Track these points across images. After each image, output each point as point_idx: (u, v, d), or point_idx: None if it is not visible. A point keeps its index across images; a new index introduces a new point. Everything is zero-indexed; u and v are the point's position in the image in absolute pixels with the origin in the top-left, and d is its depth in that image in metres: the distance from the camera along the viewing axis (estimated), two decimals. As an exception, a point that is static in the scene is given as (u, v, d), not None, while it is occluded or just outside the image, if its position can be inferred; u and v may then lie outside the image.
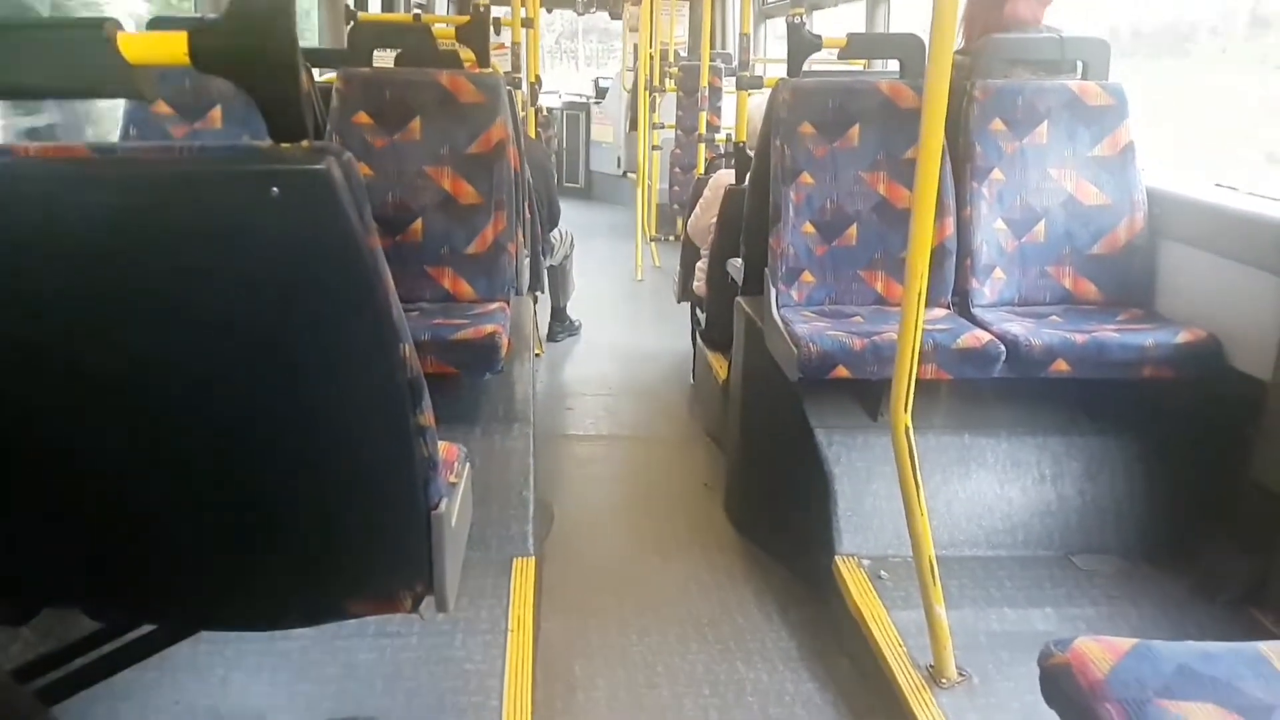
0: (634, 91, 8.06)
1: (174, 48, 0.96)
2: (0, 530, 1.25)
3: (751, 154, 3.10)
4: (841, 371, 2.37)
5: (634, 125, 7.90)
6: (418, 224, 2.79)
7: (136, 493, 1.23)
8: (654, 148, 7.46)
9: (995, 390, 2.57)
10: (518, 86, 4.31)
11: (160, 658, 1.69)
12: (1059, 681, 1.22)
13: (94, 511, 1.25)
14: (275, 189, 0.97)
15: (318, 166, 0.97)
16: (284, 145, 0.99)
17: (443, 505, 1.32)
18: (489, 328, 2.43)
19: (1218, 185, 2.58)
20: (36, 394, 1.13)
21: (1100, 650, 1.21)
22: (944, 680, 1.93)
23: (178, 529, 1.26)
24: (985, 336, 2.38)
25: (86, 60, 0.97)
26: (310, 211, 0.99)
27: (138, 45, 0.96)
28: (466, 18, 3.51)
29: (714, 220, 3.83)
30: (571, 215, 5.35)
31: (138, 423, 1.16)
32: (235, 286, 1.05)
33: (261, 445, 1.19)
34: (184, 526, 1.25)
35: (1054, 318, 2.55)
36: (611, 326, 5.42)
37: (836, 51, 3.07)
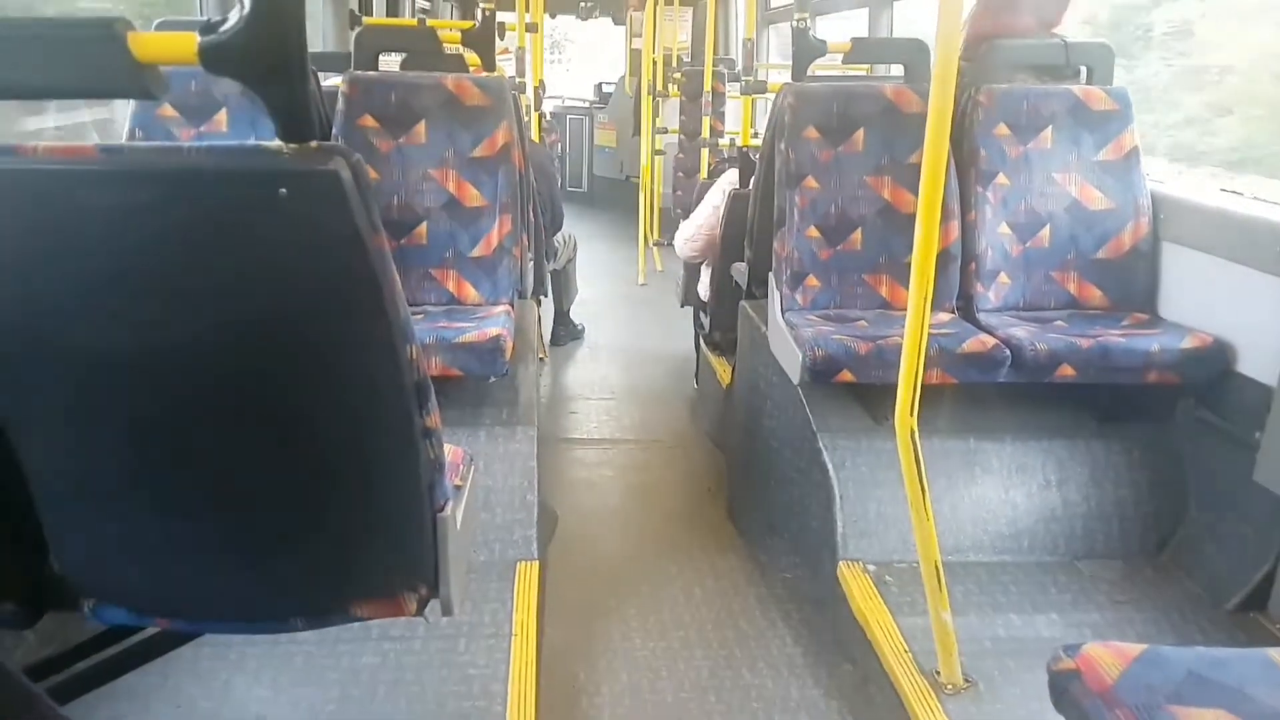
0: (637, 97, 8.06)
1: (183, 47, 0.96)
2: (4, 532, 1.25)
3: (756, 158, 3.10)
4: (846, 375, 2.36)
5: (637, 130, 7.90)
6: (423, 227, 2.79)
7: (140, 494, 1.22)
8: (657, 152, 7.46)
9: (1000, 395, 2.57)
10: (522, 91, 4.31)
11: (163, 661, 1.69)
12: (1068, 687, 1.21)
13: (98, 514, 1.25)
14: (283, 190, 0.97)
15: (326, 167, 0.97)
16: (292, 146, 0.99)
17: (448, 508, 1.31)
18: (493, 330, 2.42)
19: (1223, 190, 2.58)
20: (42, 393, 1.13)
21: (1109, 656, 1.21)
22: (950, 687, 1.92)
23: (182, 530, 1.25)
24: (990, 341, 2.38)
25: (96, 60, 0.97)
26: (319, 212, 0.99)
27: (148, 45, 0.95)
28: (472, 23, 3.51)
29: (700, 229, 3.84)
30: (574, 220, 5.36)
31: (143, 423, 1.16)
32: (242, 287, 1.05)
33: (267, 446, 1.18)
34: (188, 527, 1.25)
35: (1059, 322, 2.54)
36: (615, 330, 5.42)
37: (841, 56, 3.07)
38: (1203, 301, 2.49)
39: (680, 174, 7.50)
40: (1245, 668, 1.19)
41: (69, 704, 1.48)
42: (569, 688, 2.19)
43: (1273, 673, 1.18)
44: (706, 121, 6.23)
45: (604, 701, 2.16)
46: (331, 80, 3.22)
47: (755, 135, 3.77)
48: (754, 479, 3.00)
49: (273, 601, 1.36)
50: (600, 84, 10.36)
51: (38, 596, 1.34)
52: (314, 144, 0.99)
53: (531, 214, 3.19)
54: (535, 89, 4.96)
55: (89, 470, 1.21)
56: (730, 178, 3.90)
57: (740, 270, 3.15)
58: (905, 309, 1.80)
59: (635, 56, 8.58)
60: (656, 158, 7.45)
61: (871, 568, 2.34)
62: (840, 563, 2.36)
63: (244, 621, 1.46)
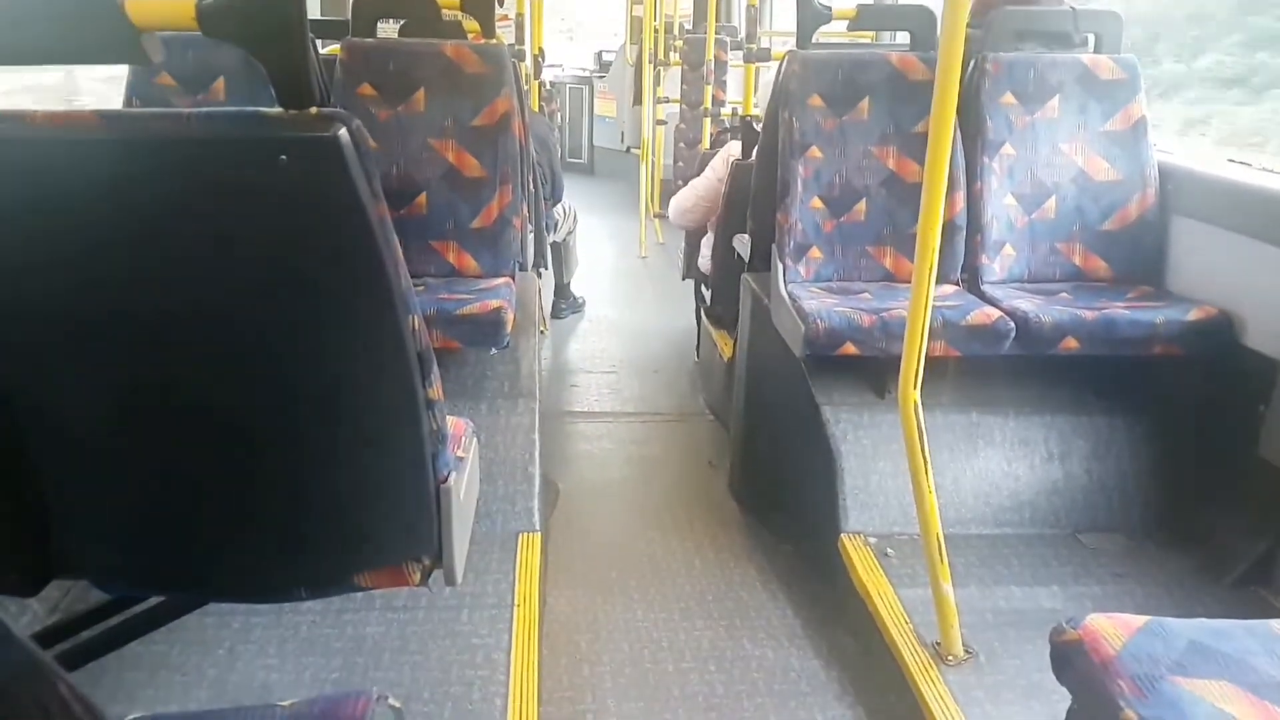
0: (637, 65, 7.99)
1: (181, 12, 0.95)
2: (8, 501, 1.25)
3: (759, 128, 3.07)
4: (849, 348, 2.35)
5: (638, 100, 7.83)
6: (422, 198, 2.77)
7: (144, 463, 1.22)
8: (658, 122, 7.40)
9: (1003, 368, 2.56)
10: (521, 59, 4.27)
11: (167, 630, 1.70)
12: (1071, 658, 1.21)
13: (101, 482, 1.25)
14: (284, 156, 0.95)
15: (327, 133, 0.96)
16: (292, 112, 0.98)
17: (451, 479, 1.31)
18: (494, 303, 2.41)
19: (1230, 160, 2.56)
20: (44, 361, 1.12)
21: (1112, 627, 1.21)
22: (950, 657, 1.93)
23: (186, 499, 1.25)
24: (995, 313, 2.37)
25: (91, 25, 0.95)
26: (319, 179, 0.98)
27: (145, 9, 0.94)
28: None
29: (701, 199, 3.81)
30: (574, 191, 5.32)
31: (144, 391, 1.15)
32: (243, 254, 1.04)
33: (268, 416, 1.18)
34: (192, 497, 1.25)
35: (1064, 295, 2.53)
36: (615, 303, 5.40)
37: (846, 23, 3.03)
38: (1209, 274, 2.47)
39: (682, 144, 7.45)
40: (1248, 639, 1.20)
41: (72, 673, 1.49)
42: (571, 657, 2.20)
43: (1275, 644, 1.19)
44: (709, 90, 6.17)
45: (605, 671, 2.17)
46: (329, 48, 3.19)
47: (758, 104, 3.73)
48: (756, 452, 3.00)
49: (276, 572, 1.36)
50: (600, 52, 10.27)
51: (42, 565, 1.34)
52: (314, 110, 0.98)
53: (531, 185, 3.16)
54: (535, 57, 4.91)
55: (90, 440, 1.21)
56: (732, 148, 3.87)
57: (742, 242, 3.13)
58: (909, 281, 1.79)
59: (636, 24, 8.48)
60: (658, 128, 7.39)
61: (873, 540, 2.35)
62: (842, 535, 2.36)
63: (246, 592, 1.47)
